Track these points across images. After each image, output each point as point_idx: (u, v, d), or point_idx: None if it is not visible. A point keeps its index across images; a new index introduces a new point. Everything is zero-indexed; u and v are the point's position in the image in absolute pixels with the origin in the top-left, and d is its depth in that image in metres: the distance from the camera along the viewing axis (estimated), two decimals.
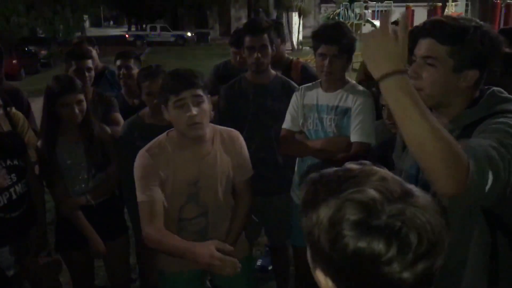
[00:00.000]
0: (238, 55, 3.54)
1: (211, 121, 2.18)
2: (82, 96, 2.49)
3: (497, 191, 1.23)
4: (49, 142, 2.51)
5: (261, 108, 2.91)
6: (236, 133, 2.26)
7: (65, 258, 2.73)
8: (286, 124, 2.68)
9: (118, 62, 3.44)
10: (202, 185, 2.12)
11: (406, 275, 0.76)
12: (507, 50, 3.48)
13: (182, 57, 12.87)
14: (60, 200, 2.58)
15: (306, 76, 3.20)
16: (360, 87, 2.59)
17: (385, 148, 2.11)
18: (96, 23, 64.67)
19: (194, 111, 1.97)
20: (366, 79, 3.94)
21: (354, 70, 5.88)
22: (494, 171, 1.20)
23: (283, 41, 3.61)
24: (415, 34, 1.45)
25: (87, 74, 3.12)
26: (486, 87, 1.54)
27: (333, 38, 2.44)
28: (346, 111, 2.52)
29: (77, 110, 2.45)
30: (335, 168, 0.88)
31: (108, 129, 2.71)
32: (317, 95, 2.61)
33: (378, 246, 0.75)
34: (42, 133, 2.56)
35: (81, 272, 2.76)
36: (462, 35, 1.38)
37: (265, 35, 2.84)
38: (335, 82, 2.55)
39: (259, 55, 2.83)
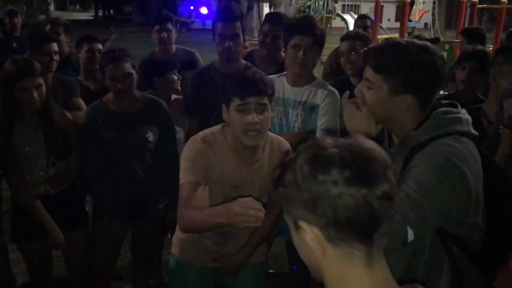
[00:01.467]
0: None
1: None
2: (41, 80, 2.37)
3: (424, 230, 1.42)
4: (6, 128, 2.39)
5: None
6: (286, 144, 2.15)
7: (21, 249, 2.63)
8: None
9: (85, 46, 3.31)
10: (242, 190, 2.04)
11: (363, 191, 0.86)
12: (468, 46, 3.57)
13: (151, 44, 12.70)
14: (17, 189, 2.47)
15: (250, 62, 3.12)
16: (328, 86, 2.58)
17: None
18: (61, 7, 62.70)
19: (256, 118, 1.89)
20: (332, 72, 3.95)
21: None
22: (417, 228, 1.37)
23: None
24: (365, 58, 1.59)
25: (53, 57, 2.99)
26: (444, 102, 1.60)
27: (307, 29, 2.44)
28: (313, 108, 2.51)
29: (36, 95, 2.34)
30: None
31: (69, 115, 2.61)
32: (283, 88, 2.59)
33: (334, 171, 0.86)
34: None
35: (38, 263, 2.66)
36: (393, 64, 1.49)
37: (238, 23, 2.78)
38: (306, 75, 2.53)
39: (231, 43, 2.77)
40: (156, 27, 3.53)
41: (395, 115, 1.55)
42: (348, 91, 1.69)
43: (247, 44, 8.67)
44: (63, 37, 3.75)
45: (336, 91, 2.55)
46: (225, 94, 1.98)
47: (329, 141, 0.93)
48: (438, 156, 1.43)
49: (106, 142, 2.58)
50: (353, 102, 1.60)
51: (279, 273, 3.40)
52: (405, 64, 1.47)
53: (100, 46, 3.38)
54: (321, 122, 2.48)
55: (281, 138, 2.17)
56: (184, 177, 1.97)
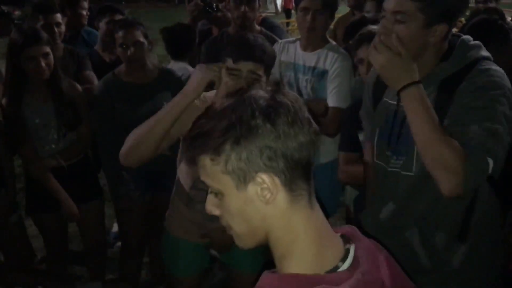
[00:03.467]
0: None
1: None
2: (48, 49, 2.30)
3: (502, 163, 1.34)
4: (15, 100, 2.34)
5: None
6: None
7: (37, 222, 2.62)
8: None
9: (106, 18, 3.21)
10: None
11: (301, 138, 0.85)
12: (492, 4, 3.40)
13: (162, 20, 12.53)
14: (29, 161, 2.44)
15: (266, 27, 3.04)
16: (340, 49, 2.48)
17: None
18: None
19: (245, 86, 1.75)
20: (335, 39, 3.81)
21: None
22: (493, 157, 1.30)
23: None
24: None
25: (56, 29, 2.91)
26: (453, 34, 1.53)
27: None
28: (323, 74, 2.41)
29: (43, 64, 2.27)
30: None
31: (78, 86, 2.54)
32: (295, 53, 2.49)
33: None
34: (6, 90, 2.38)
35: (54, 236, 2.64)
36: None
37: None
38: (316, 40, 2.42)
39: (247, 8, 2.69)
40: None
41: (424, 48, 1.43)
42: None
43: (263, 14, 8.54)
44: (82, 11, 3.63)
45: (348, 54, 2.44)
46: (220, 54, 1.81)
47: (259, 95, 0.89)
48: (491, 83, 1.37)
49: (120, 115, 2.52)
50: (386, 45, 1.40)
51: None
52: None
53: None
54: (331, 87, 2.38)
55: None
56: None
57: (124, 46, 2.45)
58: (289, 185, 0.86)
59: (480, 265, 1.51)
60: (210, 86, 2.01)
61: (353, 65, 2.43)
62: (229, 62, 1.72)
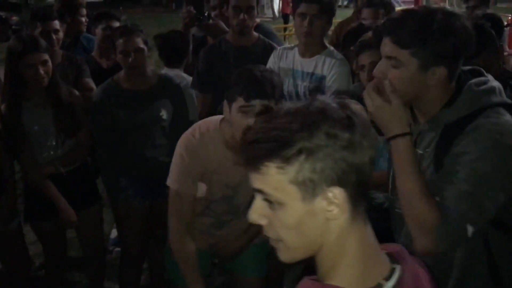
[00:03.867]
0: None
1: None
2: (47, 56, 2.31)
3: (485, 224, 1.33)
4: (14, 107, 2.35)
5: None
6: None
7: (36, 229, 2.61)
8: None
9: (103, 24, 3.22)
10: (239, 190, 1.95)
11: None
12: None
13: (160, 25, 12.53)
14: (28, 168, 2.45)
15: (261, 33, 3.03)
16: (338, 54, 2.48)
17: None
18: None
19: None
20: (338, 44, 3.83)
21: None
22: (472, 224, 1.29)
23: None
24: (379, 33, 1.40)
25: (54, 36, 2.91)
26: (467, 69, 1.46)
27: None
28: (321, 79, 2.42)
29: (42, 71, 2.28)
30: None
31: (77, 93, 2.55)
32: (293, 59, 2.51)
33: (344, 135, 0.80)
34: (5, 97, 2.39)
35: (53, 242, 2.64)
36: (422, 35, 1.31)
37: None
38: (314, 45, 2.44)
39: (245, 16, 2.70)
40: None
41: (424, 91, 1.38)
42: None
43: (258, 20, 8.57)
44: (82, 18, 3.64)
45: (345, 60, 2.45)
46: (229, 90, 1.82)
47: (332, 104, 0.84)
48: (486, 140, 1.30)
49: (119, 122, 2.53)
50: (378, 91, 1.38)
51: None
52: (435, 32, 1.30)
53: (118, 24, 3.30)
54: (328, 93, 2.38)
55: None
56: (173, 183, 1.92)
57: (125, 53, 2.46)
58: (353, 201, 0.82)
59: None
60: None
61: (352, 72, 2.44)
62: (240, 101, 1.73)
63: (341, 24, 3.90)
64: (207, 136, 1.90)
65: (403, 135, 1.36)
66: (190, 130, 1.95)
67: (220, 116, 1.94)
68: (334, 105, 0.83)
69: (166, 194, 2.66)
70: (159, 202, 2.63)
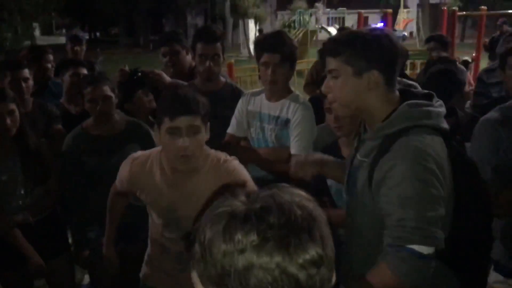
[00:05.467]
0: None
1: None
2: (14, 106, 2.35)
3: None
4: None
5: (212, 116, 2.84)
6: (225, 158, 2.04)
7: (2, 279, 2.55)
8: (231, 129, 2.66)
9: (70, 71, 3.27)
10: (182, 214, 1.97)
11: (278, 258, 0.66)
12: (443, 54, 3.59)
13: (138, 65, 12.58)
14: None
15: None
16: (302, 99, 2.57)
17: (328, 151, 2.13)
18: (47, 31, 62.63)
19: (187, 141, 1.80)
20: (313, 82, 3.98)
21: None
22: (429, 245, 1.41)
23: (188, 51, 3.38)
24: (323, 57, 1.62)
25: (23, 84, 2.95)
26: (421, 92, 1.60)
27: (275, 46, 2.42)
28: (286, 122, 2.50)
29: (9, 121, 2.31)
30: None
31: (45, 141, 2.57)
32: (261, 103, 2.59)
33: (237, 236, 0.67)
34: None
35: None
36: (351, 42, 1.51)
37: (218, 44, 2.85)
38: (278, 91, 2.52)
39: (211, 63, 2.80)
40: (162, 49, 3.38)
41: (365, 98, 1.53)
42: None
43: (232, 61, 8.74)
44: (48, 64, 3.70)
45: (309, 104, 2.54)
46: (157, 114, 1.89)
47: (241, 195, 0.75)
48: (406, 161, 1.44)
49: (89, 169, 2.55)
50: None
51: None
52: (362, 41, 1.50)
53: (85, 71, 3.36)
54: (293, 136, 2.47)
55: (223, 155, 2.04)
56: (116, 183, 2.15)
57: (93, 101, 2.51)
58: None
59: None
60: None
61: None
62: (167, 121, 1.80)
63: (318, 62, 4.06)
64: (146, 160, 2.02)
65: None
66: (134, 154, 2.09)
67: None
68: None
69: (138, 237, 2.68)
70: (132, 246, 2.64)
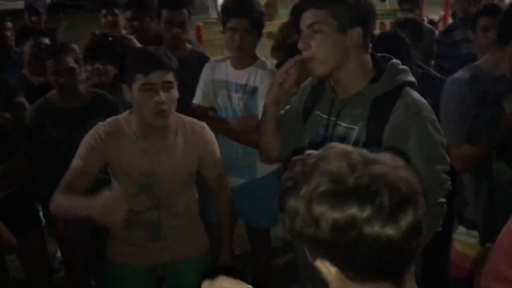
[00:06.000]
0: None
1: None
2: None
3: None
4: None
5: (179, 84, 2.79)
6: (201, 125, 2.06)
7: None
8: (197, 99, 2.60)
9: (31, 39, 3.16)
10: (156, 178, 1.95)
11: (390, 231, 0.74)
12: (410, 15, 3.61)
13: (103, 31, 12.14)
14: None
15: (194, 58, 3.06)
16: (269, 66, 2.55)
17: None
18: None
19: (163, 97, 1.78)
20: (279, 46, 3.95)
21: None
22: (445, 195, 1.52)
23: (152, 18, 3.35)
24: (298, 11, 1.53)
25: None
26: (383, 57, 1.61)
27: (243, 11, 2.37)
28: (253, 91, 2.48)
29: None
30: (296, 159, 0.86)
31: (9, 115, 2.49)
32: (226, 71, 2.55)
33: (351, 210, 0.74)
34: None
35: None
36: None
37: (185, 10, 2.80)
38: (245, 58, 2.49)
39: (178, 30, 2.74)
40: (103, 12, 3.42)
41: (345, 57, 1.49)
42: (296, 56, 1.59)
43: (200, 24, 8.52)
44: (7, 32, 3.56)
45: (275, 70, 2.50)
46: (126, 73, 1.86)
47: (343, 164, 0.78)
48: (421, 119, 1.48)
49: (54, 142, 2.50)
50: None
51: (245, 253, 3.41)
52: None
53: (46, 40, 3.25)
54: (261, 104, 2.45)
55: (195, 120, 2.06)
56: (74, 162, 1.90)
57: (56, 74, 2.44)
58: (358, 280, 0.84)
59: None
60: None
61: None
62: (140, 78, 1.78)
63: (285, 26, 3.99)
64: (114, 126, 1.94)
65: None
66: (102, 123, 1.98)
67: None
68: None
69: None
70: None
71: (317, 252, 0.81)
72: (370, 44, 1.57)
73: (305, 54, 1.50)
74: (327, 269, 0.81)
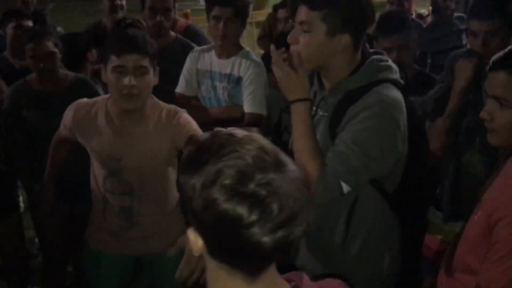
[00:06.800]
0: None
1: None
2: None
3: (359, 186, 1.48)
4: None
5: (162, 73, 2.77)
6: (177, 109, 2.03)
7: None
8: (180, 88, 2.57)
9: (13, 22, 3.10)
10: (125, 163, 1.93)
11: (265, 239, 0.81)
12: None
13: (91, 15, 12.07)
14: None
15: (189, 35, 3.06)
16: (253, 56, 2.53)
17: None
18: None
19: (133, 81, 1.77)
20: (265, 35, 3.94)
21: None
22: (347, 182, 1.44)
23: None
24: (294, 3, 1.51)
25: None
26: (372, 51, 1.62)
27: (228, 0, 2.34)
28: (238, 80, 2.46)
29: None
30: (217, 130, 0.90)
31: None
32: (210, 61, 2.53)
33: (242, 210, 0.80)
34: None
35: None
36: (331, 0, 1.45)
37: None
38: (229, 47, 2.47)
39: (162, 18, 2.71)
40: None
41: (331, 58, 1.51)
42: (284, 48, 1.58)
43: (188, 11, 8.48)
44: None
45: (261, 61, 2.51)
46: (103, 53, 1.86)
47: (252, 163, 0.84)
48: (374, 107, 1.45)
49: (31, 125, 2.47)
50: (287, 60, 1.52)
51: None
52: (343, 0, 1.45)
53: (30, 23, 3.19)
54: (245, 94, 2.44)
55: (174, 107, 2.05)
56: (60, 128, 2.10)
57: (36, 58, 2.41)
58: (218, 257, 0.89)
59: (367, 271, 1.60)
60: None
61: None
62: (113, 60, 1.78)
63: (272, 16, 3.98)
64: (92, 104, 1.98)
65: (304, 100, 1.51)
66: (84, 99, 2.05)
67: None
68: None
69: (86, 197, 2.65)
70: (79, 206, 2.61)
71: (193, 223, 0.88)
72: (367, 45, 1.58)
73: (292, 48, 1.53)
74: (195, 239, 0.88)
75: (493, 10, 2.09)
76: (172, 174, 2.09)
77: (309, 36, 1.48)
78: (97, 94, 2.60)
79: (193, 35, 3.09)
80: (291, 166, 0.87)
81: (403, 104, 1.51)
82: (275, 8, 3.84)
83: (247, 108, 2.44)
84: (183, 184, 0.88)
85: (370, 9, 1.50)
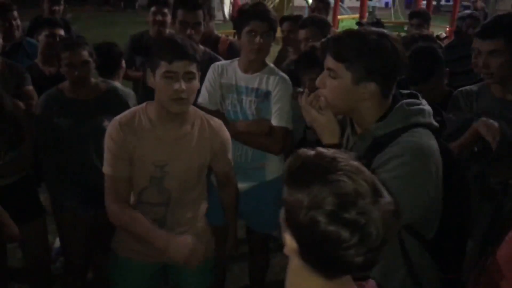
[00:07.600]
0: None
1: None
2: None
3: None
4: None
5: None
6: (219, 122, 2.11)
7: None
8: (203, 101, 2.55)
9: (46, 31, 3.17)
10: (170, 169, 1.97)
11: (357, 259, 0.94)
12: (425, 32, 3.65)
13: (107, 25, 12.21)
14: None
15: (232, 54, 3.14)
16: (280, 72, 2.58)
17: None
18: None
19: (183, 85, 1.83)
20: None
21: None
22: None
23: (212, 17, 3.53)
24: (324, 49, 1.55)
25: None
26: (405, 92, 1.62)
27: (263, 14, 2.41)
28: (266, 94, 2.51)
29: None
30: (321, 151, 1.02)
31: (20, 103, 2.51)
32: (235, 75, 2.56)
33: (344, 234, 0.92)
34: None
35: None
36: (354, 52, 1.47)
37: (200, 11, 2.81)
38: (259, 62, 2.52)
39: (192, 31, 2.77)
40: (153, 9, 3.60)
41: (358, 104, 1.53)
42: (300, 89, 1.65)
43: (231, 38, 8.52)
44: (14, 21, 3.57)
45: (287, 77, 2.56)
46: (151, 59, 1.91)
47: (352, 188, 0.96)
48: (404, 156, 1.44)
49: (62, 131, 2.51)
50: (312, 106, 1.57)
51: (242, 254, 3.41)
52: (366, 50, 1.46)
53: (61, 31, 3.27)
54: (275, 108, 2.49)
55: (214, 118, 2.12)
56: (105, 168, 1.99)
57: (71, 66, 2.46)
58: (308, 259, 1.03)
59: None
60: None
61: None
62: (164, 66, 1.84)
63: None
64: (129, 117, 1.98)
65: (332, 145, 1.55)
66: (117, 117, 2.02)
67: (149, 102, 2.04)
68: None
69: None
70: (104, 211, 2.63)
71: (292, 229, 1.00)
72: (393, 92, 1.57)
73: (320, 91, 1.58)
74: (290, 242, 1.00)
75: (496, 30, 2.08)
76: (204, 178, 2.15)
77: (335, 82, 1.52)
78: (127, 104, 2.65)
79: (236, 52, 3.17)
80: (385, 194, 0.98)
81: (435, 148, 1.50)
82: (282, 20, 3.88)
83: (275, 121, 2.48)
84: (288, 195, 0.99)
85: (398, 57, 1.49)
